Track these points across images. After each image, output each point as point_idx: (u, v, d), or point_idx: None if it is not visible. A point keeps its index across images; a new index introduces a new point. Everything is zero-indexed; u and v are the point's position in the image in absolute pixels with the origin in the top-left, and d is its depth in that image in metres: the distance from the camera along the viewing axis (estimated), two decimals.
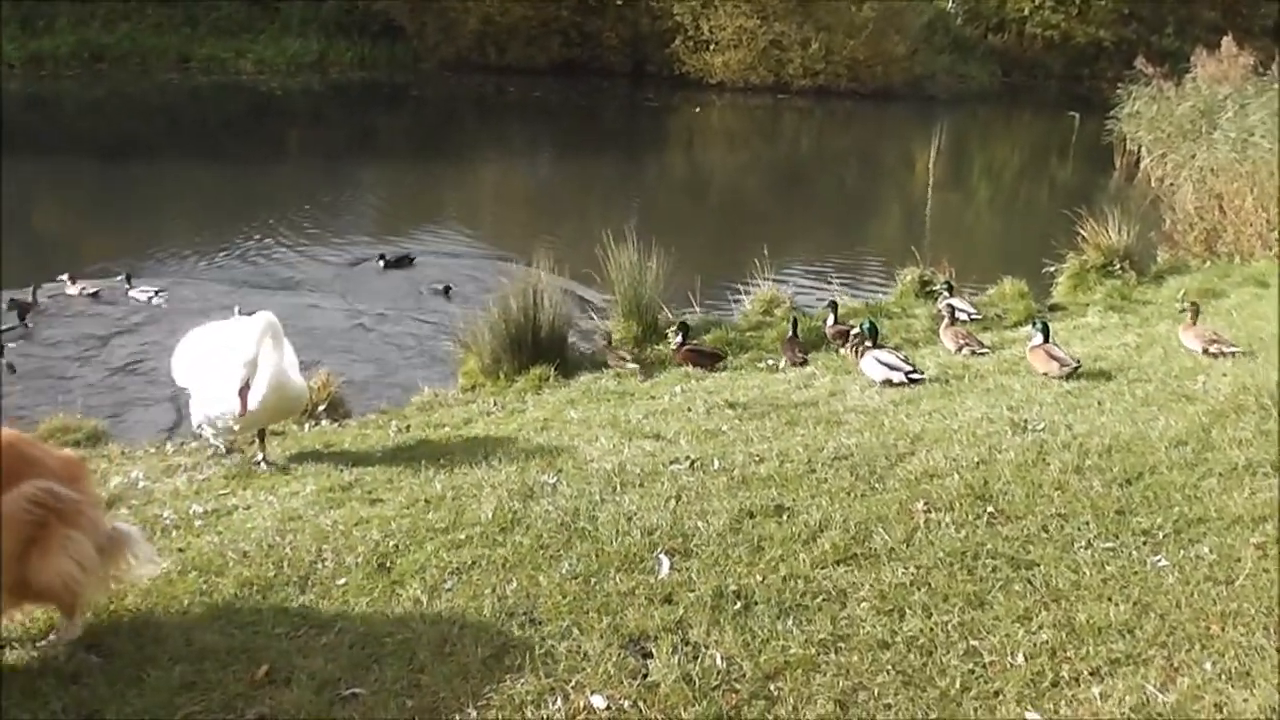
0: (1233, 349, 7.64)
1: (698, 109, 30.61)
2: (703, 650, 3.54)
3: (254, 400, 5.53)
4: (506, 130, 27.95)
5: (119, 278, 12.15)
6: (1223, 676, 3.39)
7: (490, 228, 16.95)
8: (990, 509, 4.60)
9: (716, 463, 5.28)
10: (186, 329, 6.27)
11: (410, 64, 33.80)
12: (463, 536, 4.40)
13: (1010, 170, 27.54)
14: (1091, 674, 3.42)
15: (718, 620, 3.70)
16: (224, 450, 6.12)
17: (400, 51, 34.05)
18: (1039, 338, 7.52)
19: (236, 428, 5.84)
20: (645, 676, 3.41)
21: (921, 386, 7.21)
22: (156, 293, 11.96)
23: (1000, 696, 3.33)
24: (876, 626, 3.68)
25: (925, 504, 4.65)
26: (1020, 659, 3.50)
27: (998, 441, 5.51)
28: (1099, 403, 6.44)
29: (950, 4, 41.19)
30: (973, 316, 10.08)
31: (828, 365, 8.40)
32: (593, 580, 3.99)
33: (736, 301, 11.45)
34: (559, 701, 3.28)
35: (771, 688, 3.37)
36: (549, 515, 4.58)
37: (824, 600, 3.86)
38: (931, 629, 3.67)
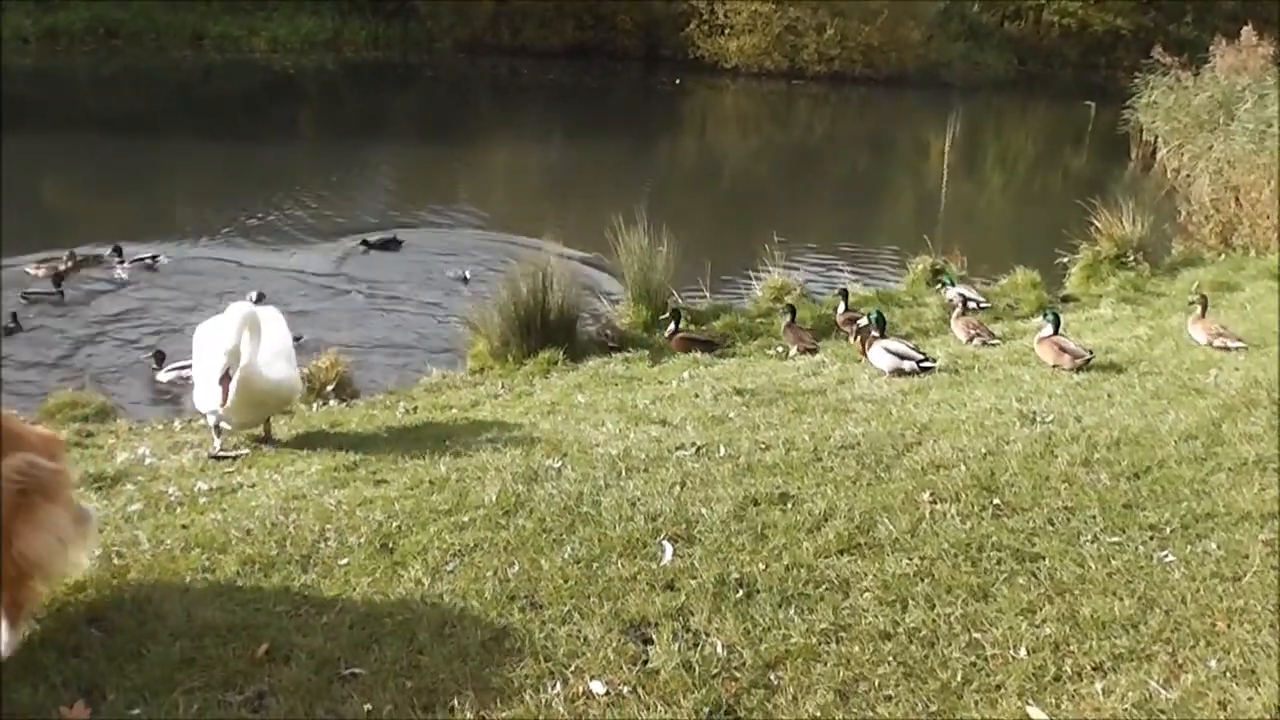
0: (1238, 344, 7.59)
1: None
2: (703, 638, 3.52)
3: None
4: (519, 112, 27.85)
5: (107, 251, 12.07)
6: (1227, 674, 3.36)
7: (501, 210, 16.89)
8: (996, 501, 4.57)
9: (722, 449, 5.26)
10: (200, 306, 6.30)
11: (424, 44, 33.67)
12: (466, 519, 4.39)
13: (1025, 159, 27.38)
14: (1095, 669, 3.40)
15: (719, 608, 3.69)
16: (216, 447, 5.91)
17: (414, 31, 33.91)
18: (1049, 329, 7.48)
19: (225, 422, 5.82)
20: (645, 663, 3.40)
21: (931, 376, 7.19)
22: (153, 259, 11.98)
23: (1002, 690, 3.31)
24: (879, 617, 3.66)
25: (931, 494, 4.63)
26: (1023, 652, 3.48)
27: (1006, 433, 5.48)
28: (1109, 395, 6.41)
29: None
30: (982, 305, 10.05)
31: (837, 353, 8.38)
32: (595, 565, 3.98)
33: (747, 288, 11.42)
34: (558, 686, 3.27)
35: (772, 676, 3.36)
36: (552, 499, 4.56)
37: (826, 590, 3.84)
38: (934, 621, 3.64)
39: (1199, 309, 8.07)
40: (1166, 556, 4.08)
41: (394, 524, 4.35)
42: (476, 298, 10.51)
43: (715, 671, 3.36)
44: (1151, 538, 4.25)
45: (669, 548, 4.12)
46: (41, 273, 11.25)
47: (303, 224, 14.92)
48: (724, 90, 33.29)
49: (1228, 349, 7.56)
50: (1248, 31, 21.87)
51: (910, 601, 3.76)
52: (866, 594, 3.81)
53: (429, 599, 3.74)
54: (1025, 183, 24.38)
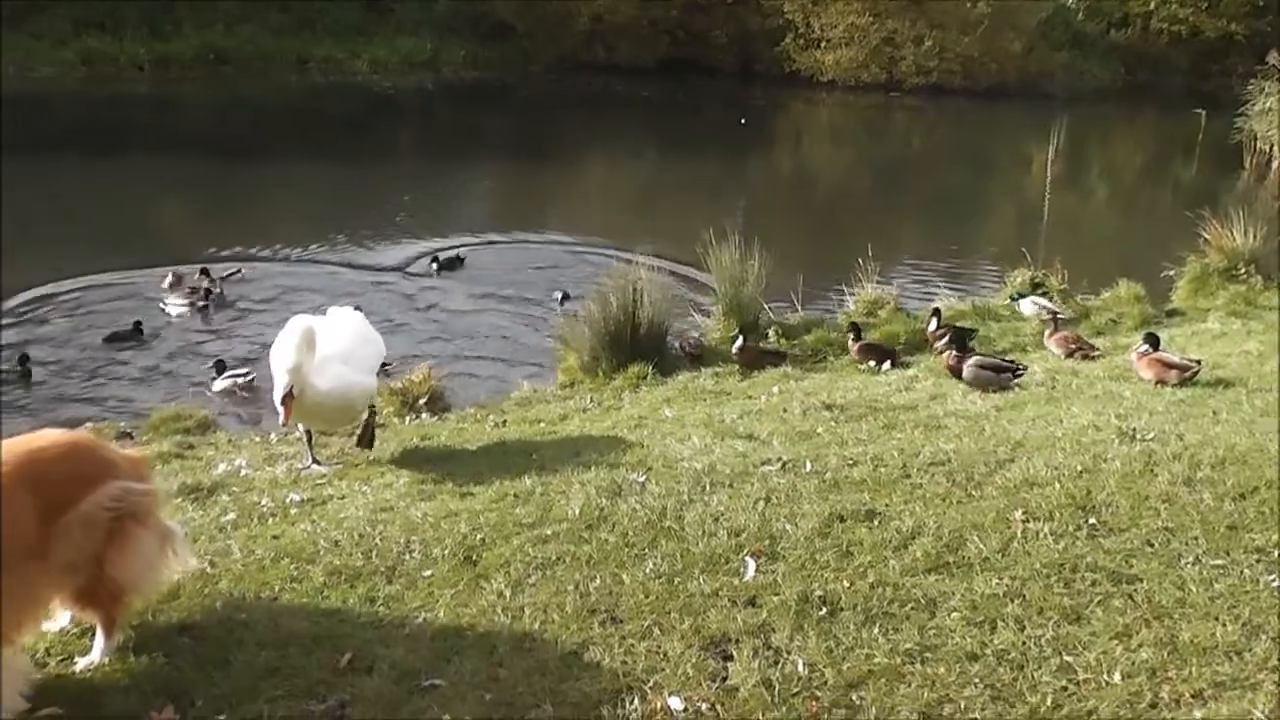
0: None
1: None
2: (784, 655, 3.46)
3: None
4: (613, 129, 28.05)
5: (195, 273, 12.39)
6: None
7: (594, 225, 16.99)
8: (1092, 520, 4.42)
9: (809, 465, 5.19)
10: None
11: (520, 64, 34.14)
12: (549, 532, 4.40)
13: (1131, 170, 26.70)
14: (1194, 696, 3.26)
15: (802, 625, 3.63)
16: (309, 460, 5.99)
17: (510, 51, 34.42)
18: (1145, 347, 7.24)
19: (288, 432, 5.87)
20: (724, 680, 3.36)
21: (1026, 392, 7.02)
22: (228, 275, 12.32)
23: (1094, 716, 3.18)
24: (966, 638, 3.56)
25: (1024, 513, 4.50)
26: (1117, 677, 3.35)
27: (1103, 450, 5.31)
28: (1214, 412, 6.17)
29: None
30: (1058, 315, 9.84)
31: (931, 369, 8.23)
32: (676, 580, 3.95)
33: (840, 302, 11.31)
34: (636, 702, 3.25)
35: (854, 697, 3.29)
36: (636, 513, 4.55)
37: (912, 609, 3.75)
38: (1024, 643, 3.53)
39: None
40: (1273, 581, 3.89)
41: (478, 536, 4.38)
42: (568, 312, 10.60)
43: (796, 690, 3.30)
44: (1258, 561, 4.05)
45: (752, 564, 4.07)
46: (183, 304, 11.50)
47: (400, 239, 15.22)
48: (819, 104, 33.12)
49: None
50: None
51: (999, 622, 3.65)
52: (954, 614, 3.71)
53: (510, 612, 3.75)
54: (1131, 195, 23.76)
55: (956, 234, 17.70)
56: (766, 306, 10.09)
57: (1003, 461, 5.19)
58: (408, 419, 7.60)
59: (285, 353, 5.47)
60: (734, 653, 3.48)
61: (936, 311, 9.64)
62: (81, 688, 3.27)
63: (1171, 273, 11.91)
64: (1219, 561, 4.05)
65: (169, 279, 12.00)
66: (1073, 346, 8.43)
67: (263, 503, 5.07)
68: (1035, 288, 11.27)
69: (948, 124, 32.20)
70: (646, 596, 3.83)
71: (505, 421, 7.29)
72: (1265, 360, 7.82)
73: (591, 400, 7.89)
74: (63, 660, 3.40)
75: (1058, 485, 4.77)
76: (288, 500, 5.10)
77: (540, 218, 17.61)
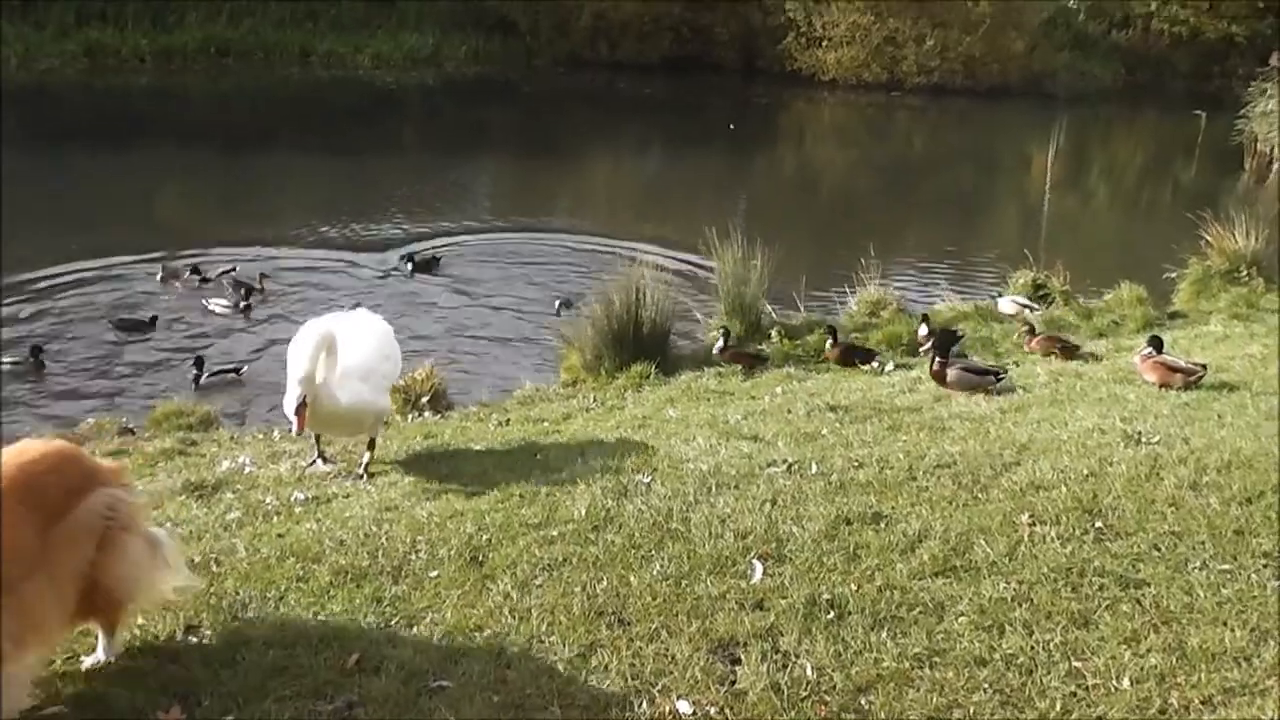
0: None
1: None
2: (793, 659, 3.46)
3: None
4: (616, 126, 28.01)
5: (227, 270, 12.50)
6: None
7: (597, 222, 16.98)
8: (1099, 524, 4.42)
9: (814, 467, 5.19)
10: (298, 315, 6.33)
11: (523, 60, 34.05)
12: (555, 533, 4.40)
13: (1132, 171, 26.67)
14: (1203, 702, 3.26)
15: (809, 629, 3.63)
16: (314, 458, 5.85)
17: (513, 47, 34.33)
18: (1150, 350, 7.23)
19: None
20: (733, 683, 3.36)
21: (1030, 394, 7.01)
22: (223, 273, 12.38)
23: None
24: (974, 642, 3.56)
25: (1030, 516, 4.50)
26: (1126, 683, 3.35)
27: (1109, 453, 5.31)
28: (1219, 416, 6.17)
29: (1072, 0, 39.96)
30: (1031, 307, 9.84)
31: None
32: (683, 582, 3.95)
33: (842, 302, 11.30)
34: (644, 705, 3.24)
35: (863, 701, 3.29)
36: (642, 515, 4.54)
37: (920, 613, 3.74)
38: (1032, 647, 3.53)
39: None
40: None
41: (484, 537, 4.37)
42: (571, 311, 10.59)
43: (805, 694, 3.30)
44: (1265, 566, 4.05)
45: (759, 566, 4.07)
46: (227, 304, 11.52)
47: (400, 231, 15.21)
48: (821, 103, 33.05)
49: None
50: None
51: (1007, 627, 3.65)
52: (962, 618, 3.71)
53: (517, 613, 3.74)
54: (1132, 195, 23.74)
55: (958, 234, 17.69)
56: (769, 307, 10.06)
57: (1008, 464, 5.19)
58: (410, 417, 7.58)
59: (300, 360, 5.16)
60: (742, 656, 3.48)
61: (925, 318, 9.61)
62: (88, 686, 3.27)
63: (1173, 274, 11.89)
64: (1226, 566, 4.05)
65: (160, 273, 12.15)
66: (1053, 350, 8.51)
67: (267, 501, 5.06)
68: (1037, 289, 11.26)
69: (949, 124, 32.15)
70: (654, 598, 3.83)
71: (508, 420, 7.27)
72: (1268, 364, 7.81)
73: (594, 399, 7.87)
74: (69, 658, 3.39)
75: (1064, 489, 4.77)
76: (292, 498, 5.09)
77: (542, 213, 17.59)
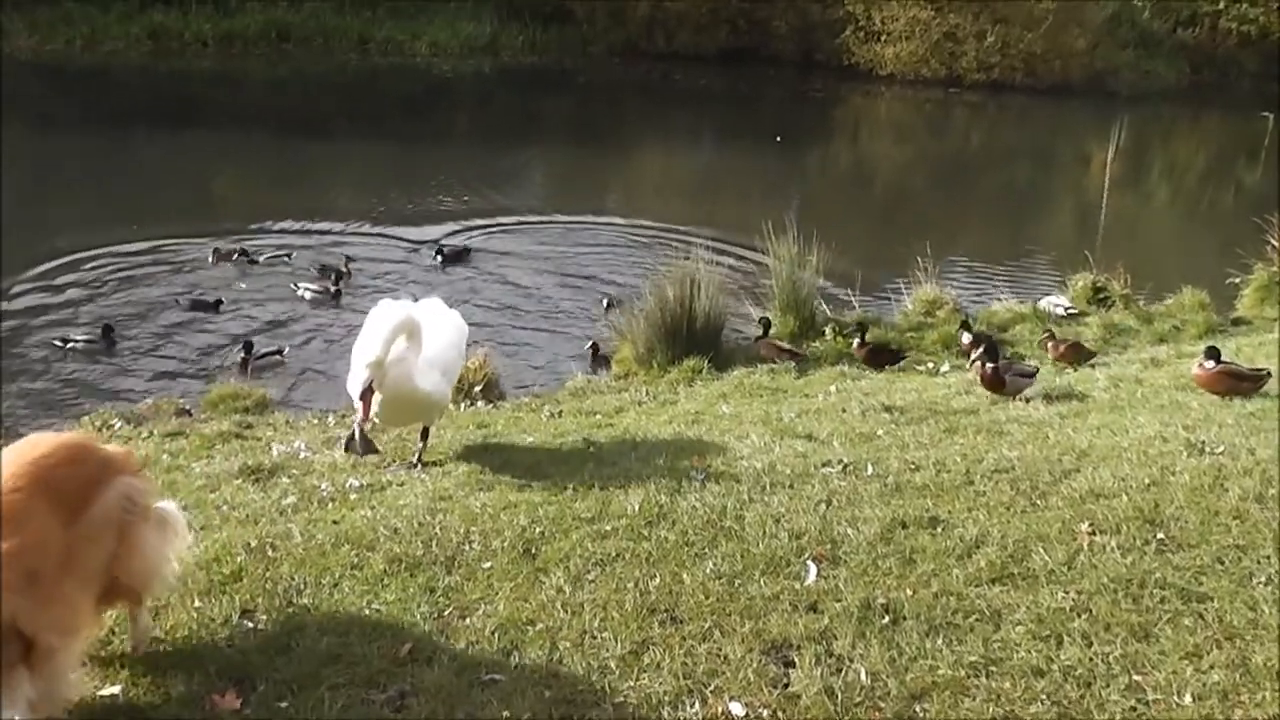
0: None
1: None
2: (847, 663, 3.43)
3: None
4: (671, 118, 27.94)
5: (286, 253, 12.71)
6: None
7: (650, 213, 16.93)
8: (1160, 535, 4.33)
9: (870, 468, 5.14)
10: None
11: (579, 49, 34.05)
12: (608, 527, 4.39)
13: (1194, 173, 26.16)
14: None
15: (864, 633, 3.59)
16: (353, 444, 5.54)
17: (570, 36, 34.34)
18: (1210, 363, 7.05)
19: (362, 426, 5.38)
20: (786, 686, 3.33)
21: (1090, 399, 6.90)
22: (288, 253, 12.66)
23: None
24: (1032, 652, 3.50)
25: (1090, 525, 4.42)
26: (1188, 699, 3.28)
27: (1171, 462, 5.20)
28: None
29: None
30: (1069, 310, 9.68)
31: None
32: (737, 582, 3.92)
33: (898, 299, 11.19)
34: (696, 705, 3.23)
35: (917, 708, 3.24)
36: (695, 511, 4.52)
37: (977, 620, 3.69)
38: (1091, 659, 3.47)
39: None
40: None
41: (537, 529, 4.37)
42: (625, 301, 10.58)
43: (859, 700, 3.26)
44: None
45: (813, 567, 4.03)
46: (317, 288, 11.63)
47: (454, 219, 15.29)
48: (878, 98, 32.74)
49: None
50: None
51: (1066, 638, 3.59)
52: (1019, 627, 3.66)
53: (570, 607, 3.74)
54: (1194, 197, 23.28)
55: (1016, 233, 17.48)
56: (824, 303, 9.99)
57: (1068, 471, 5.10)
58: (463, 406, 7.62)
59: (374, 342, 4.98)
60: (795, 659, 3.45)
61: (965, 324, 9.45)
62: (145, 669, 3.30)
63: (1236, 280, 11.66)
64: None
65: (211, 255, 12.42)
66: (1064, 361, 8.44)
67: (322, 487, 5.09)
68: (1097, 291, 11.10)
69: (1009, 121, 31.73)
70: (706, 597, 3.81)
71: (561, 412, 7.28)
72: None
73: (647, 393, 7.87)
74: (126, 640, 3.43)
75: (1125, 497, 4.68)
76: (347, 485, 5.13)
77: (596, 202, 17.60)
